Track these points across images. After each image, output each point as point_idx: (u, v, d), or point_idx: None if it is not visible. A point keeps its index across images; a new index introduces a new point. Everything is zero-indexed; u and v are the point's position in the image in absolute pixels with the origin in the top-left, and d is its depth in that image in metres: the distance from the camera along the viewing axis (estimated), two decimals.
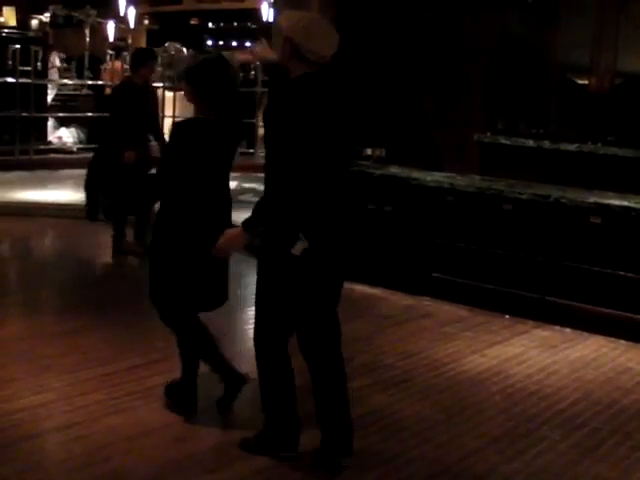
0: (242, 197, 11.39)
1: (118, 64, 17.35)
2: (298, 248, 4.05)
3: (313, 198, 4.10)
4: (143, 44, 22.43)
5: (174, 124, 4.92)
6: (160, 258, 4.82)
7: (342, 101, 4.27)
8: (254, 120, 16.77)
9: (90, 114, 16.58)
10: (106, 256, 8.90)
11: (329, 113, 4.15)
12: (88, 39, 19.40)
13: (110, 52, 17.71)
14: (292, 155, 4.01)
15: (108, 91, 16.90)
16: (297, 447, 4.41)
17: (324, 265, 4.18)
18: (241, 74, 18.61)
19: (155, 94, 9.18)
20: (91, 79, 17.98)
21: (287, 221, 4.09)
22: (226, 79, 4.78)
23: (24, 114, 14.97)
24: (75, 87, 17.46)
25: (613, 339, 6.78)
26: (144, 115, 8.53)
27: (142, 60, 8.71)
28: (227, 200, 4.89)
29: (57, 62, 17.56)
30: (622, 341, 6.74)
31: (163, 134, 8.77)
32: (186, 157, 4.67)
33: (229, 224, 4.73)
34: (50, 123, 16.40)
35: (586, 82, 8.66)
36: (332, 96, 4.23)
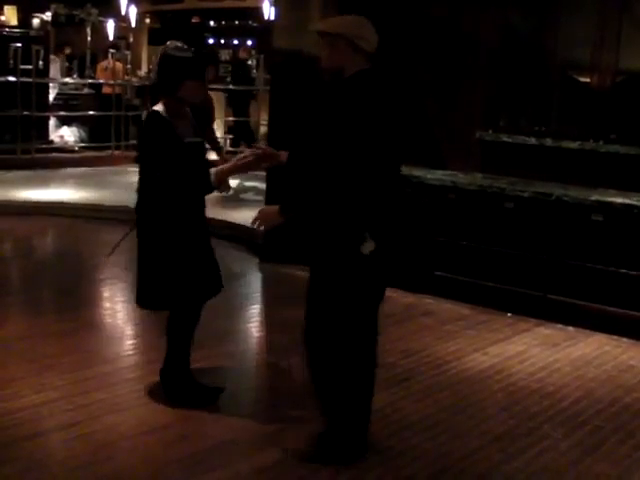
0: (243, 196, 11.40)
1: (119, 64, 17.34)
2: (367, 248, 4.13)
3: (378, 198, 4.16)
4: (144, 43, 22.45)
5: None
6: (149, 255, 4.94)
7: (397, 97, 4.30)
8: (247, 118, 16.86)
9: (92, 113, 16.57)
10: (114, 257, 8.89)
11: (390, 109, 4.19)
12: (89, 38, 19.43)
13: (112, 51, 17.68)
14: (360, 152, 4.04)
15: (108, 90, 16.89)
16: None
17: (386, 265, 4.28)
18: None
19: (209, 97, 8.82)
20: (92, 78, 17.99)
21: (353, 221, 4.13)
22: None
23: (25, 113, 14.95)
24: (77, 86, 17.45)
25: (615, 337, 6.77)
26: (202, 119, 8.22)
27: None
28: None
29: (58, 62, 17.54)
30: (624, 339, 6.73)
31: (213, 136, 8.52)
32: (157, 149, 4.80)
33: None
34: (52, 122, 16.39)
35: (588, 80, 8.65)
36: (389, 92, 4.27)
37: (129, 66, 18.14)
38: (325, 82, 4.40)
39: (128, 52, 18.25)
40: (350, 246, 4.14)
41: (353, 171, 4.05)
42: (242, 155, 4.95)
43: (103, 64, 17.96)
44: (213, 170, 4.82)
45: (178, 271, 4.86)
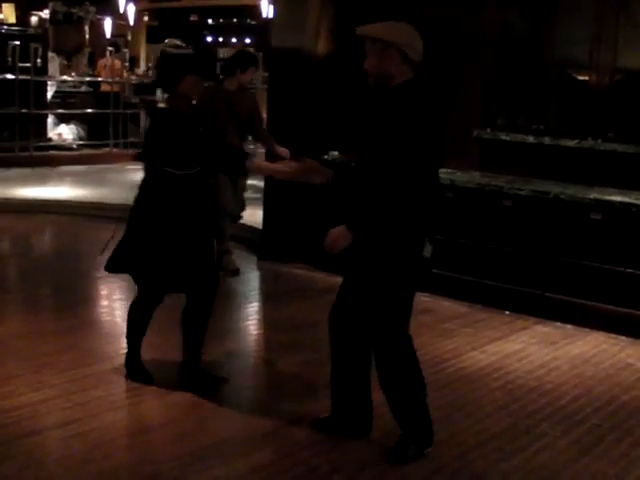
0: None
1: (118, 62, 17.35)
2: (427, 250, 4.33)
3: (431, 203, 4.31)
4: (143, 41, 22.46)
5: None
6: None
7: (436, 106, 4.38)
8: None
9: (90, 111, 16.57)
10: (106, 253, 8.89)
11: (433, 118, 4.26)
12: (88, 36, 19.43)
13: (110, 48, 17.68)
14: (416, 161, 4.15)
15: (107, 88, 16.89)
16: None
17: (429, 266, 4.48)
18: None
19: (251, 97, 8.74)
20: (90, 76, 17.98)
21: (416, 227, 4.27)
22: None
23: (24, 111, 14.97)
24: (75, 84, 17.45)
25: (613, 335, 6.77)
26: (237, 120, 8.06)
27: (244, 65, 8.15)
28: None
29: (57, 59, 17.55)
30: (622, 337, 6.74)
31: (263, 133, 8.45)
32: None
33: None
34: (50, 120, 16.40)
35: (586, 78, 8.63)
36: (432, 102, 4.36)
37: (127, 64, 18.16)
38: (369, 88, 4.42)
39: (126, 50, 18.26)
40: (414, 251, 4.29)
41: (412, 180, 4.16)
42: (296, 164, 4.93)
43: (102, 62, 17.97)
44: (256, 161, 4.92)
45: (160, 250, 4.98)
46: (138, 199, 5.08)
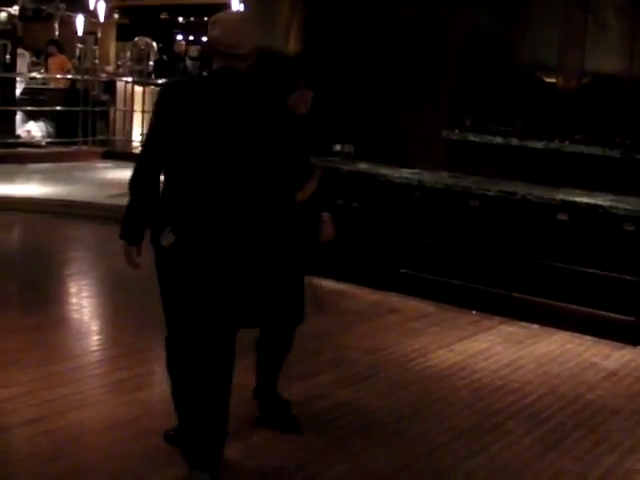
0: None
1: (65, 59, 17.30)
2: (165, 240, 3.98)
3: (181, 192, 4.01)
4: (113, 38, 22.36)
5: None
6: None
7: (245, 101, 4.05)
8: None
9: (59, 108, 16.48)
10: (74, 250, 8.88)
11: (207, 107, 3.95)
12: (57, 33, 19.32)
13: (53, 47, 17.60)
14: (149, 143, 4.06)
15: (60, 84, 16.80)
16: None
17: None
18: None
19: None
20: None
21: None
22: None
23: None
24: (44, 81, 17.34)
25: (579, 335, 6.84)
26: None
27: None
28: None
29: (26, 56, 17.44)
30: (587, 337, 6.80)
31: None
32: None
33: None
34: (18, 117, 16.26)
35: (554, 80, 8.72)
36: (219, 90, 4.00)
37: (75, 60, 18.07)
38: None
39: (96, 47, 18.17)
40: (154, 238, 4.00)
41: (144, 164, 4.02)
42: None
43: (52, 60, 17.85)
44: None
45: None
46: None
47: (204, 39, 22.21)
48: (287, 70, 4.82)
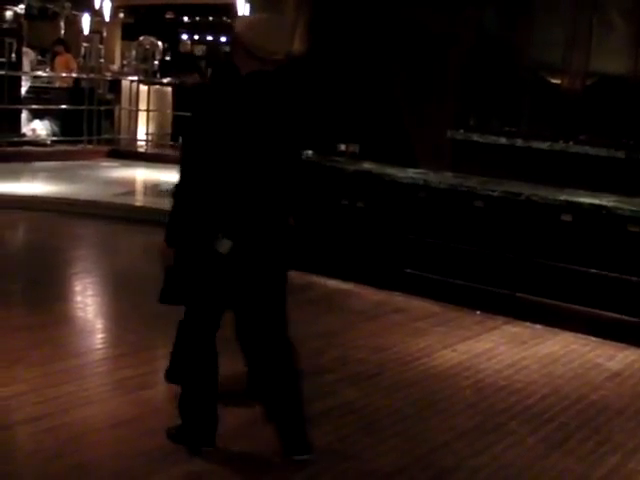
0: None
1: (71, 58, 17.30)
2: (222, 246, 4.09)
3: (230, 197, 4.12)
4: (118, 37, 22.37)
5: None
6: None
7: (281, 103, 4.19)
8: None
9: (64, 106, 16.49)
10: (79, 249, 8.88)
11: (253, 113, 4.07)
12: (63, 31, 19.32)
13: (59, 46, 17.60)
14: (190, 149, 4.12)
15: (63, 83, 16.80)
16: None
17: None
18: None
19: None
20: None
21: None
22: None
23: None
24: (49, 79, 17.37)
25: (582, 335, 6.83)
26: None
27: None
28: None
29: (32, 54, 17.46)
30: (591, 337, 6.80)
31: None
32: None
33: None
34: (24, 115, 16.28)
35: (559, 81, 8.72)
36: (274, 96, 4.16)
37: (80, 59, 18.07)
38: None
39: (101, 46, 18.18)
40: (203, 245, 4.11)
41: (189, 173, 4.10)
42: None
43: (59, 59, 17.88)
44: None
45: None
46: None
47: (209, 38, 22.25)
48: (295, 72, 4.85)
